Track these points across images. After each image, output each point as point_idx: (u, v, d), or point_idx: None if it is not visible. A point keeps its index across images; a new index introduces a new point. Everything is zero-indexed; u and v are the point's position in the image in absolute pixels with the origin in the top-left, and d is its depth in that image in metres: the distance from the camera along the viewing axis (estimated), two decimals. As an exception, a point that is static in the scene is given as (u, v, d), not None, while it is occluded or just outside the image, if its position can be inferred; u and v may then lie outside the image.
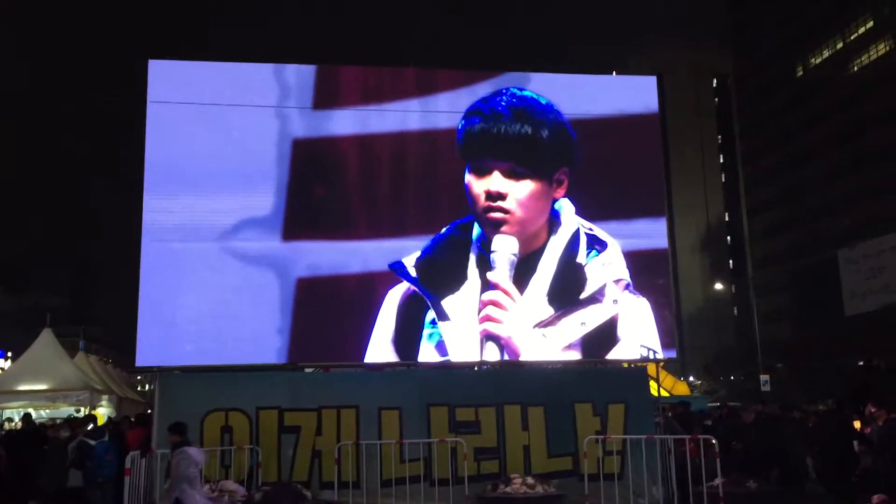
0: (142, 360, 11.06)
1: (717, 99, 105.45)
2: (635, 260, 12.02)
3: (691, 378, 69.69)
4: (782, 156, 77.07)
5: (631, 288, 11.85)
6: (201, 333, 11.07)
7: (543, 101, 11.98)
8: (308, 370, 12.23)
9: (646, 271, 12.16)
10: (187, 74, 11.66)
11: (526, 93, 12.01)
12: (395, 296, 11.41)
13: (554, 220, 11.67)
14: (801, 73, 77.10)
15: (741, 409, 14.39)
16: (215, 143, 11.37)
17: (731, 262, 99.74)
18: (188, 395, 10.95)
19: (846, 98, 68.15)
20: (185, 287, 11.12)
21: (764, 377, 39.69)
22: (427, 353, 11.38)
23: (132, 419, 15.16)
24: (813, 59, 75.31)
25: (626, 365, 12.34)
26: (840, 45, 71.57)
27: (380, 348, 11.35)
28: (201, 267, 11.14)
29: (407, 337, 11.36)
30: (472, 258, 11.49)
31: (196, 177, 11.27)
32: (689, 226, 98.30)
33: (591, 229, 11.78)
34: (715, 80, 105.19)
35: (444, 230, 11.61)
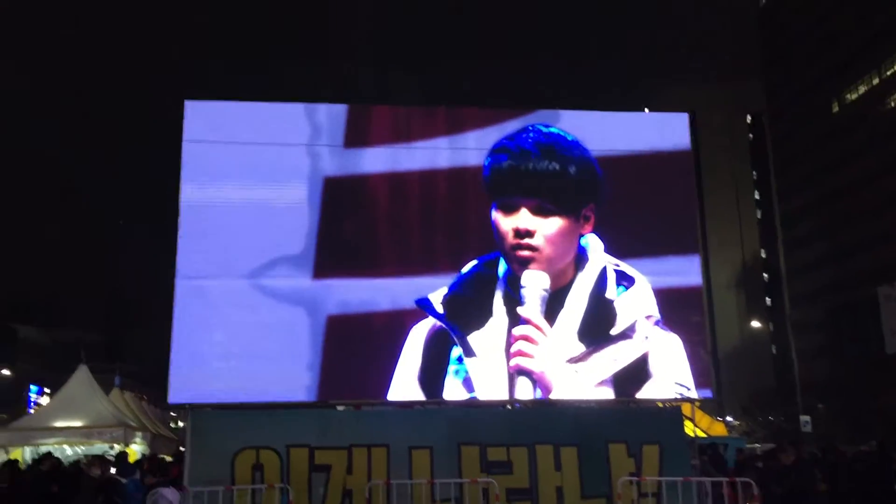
0: (174, 396, 11.12)
1: (751, 135, 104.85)
2: (669, 297, 11.87)
3: (729, 418, 68.37)
4: (819, 192, 76.25)
5: (661, 324, 11.71)
6: (232, 370, 11.11)
7: (570, 138, 11.98)
8: (339, 408, 12.19)
9: (680, 309, 12.01)
10: (221, 114, 11.86)
11: (553, 129, 12.03)
12: (419, 332, 11.38)
13: (581, 257, 11.60)
14: (836, 108, 76.51)
15: (780, 451, 14.02)
16: (248, 180, 11.51)
17: (767, 299, 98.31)
18: (219, 433, 10.95)
19: (883, 133, 67.45)
20: (216, 324, 11.19)
21: (804, 418, 38.96)
22: (453, 390, 11.31)
23: (167, 458, 15.18)
24: (848, 95, 74.77)
25: (660, 405, 12.14)
26: (876, 81, 71.03)
27: (404, 385, 11.29)
28: (232, 304, 11.21)
29: (432, 374, 11.30)
30: (499, 295, 11.44)
31: (228, 214, 11.40)
32: (725, 263, 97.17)
33: (617, 265, 11.70)
34: (749, 117, 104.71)
35: (470, 267, 11.59)
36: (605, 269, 11.62)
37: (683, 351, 11.76)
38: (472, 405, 11.56)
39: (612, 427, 11.60)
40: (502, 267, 11.51)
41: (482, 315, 11.38)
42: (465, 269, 11.58)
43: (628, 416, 11.91)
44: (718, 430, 25.26)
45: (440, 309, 11.38)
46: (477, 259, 11.59)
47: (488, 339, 11.33)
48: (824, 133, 76.06)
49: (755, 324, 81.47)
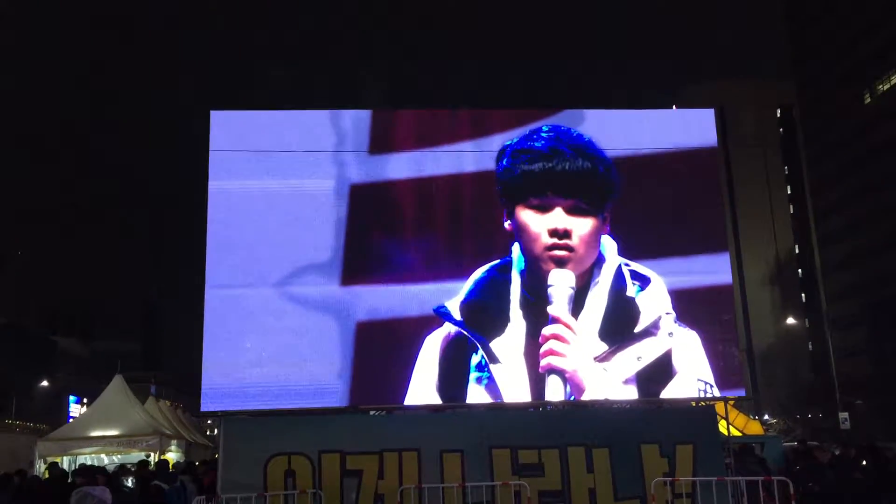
0: (206, 404, 11.24)
1: (781, 129, 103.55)
2: (698, 297, 11.77)
3: (766, 417, 67.52)
4: (852, 185, 75.11)
5: (679, 321, 11.62)
6: (264, 377, 11.19)
7: (586, 138, 11.92)
8: (371, 412, 12.22)
9: (711, 308, 11.91)
10: (247, 123, 11.98)
11: (572, 130, 11.97)
12: (434, 342, 11.33)
13: (600, 256, 11.55)
14: (868, 100, 75.31)
15: (816, 449, 13.83)
16: (274, 189, 11.60)
17: (803, 295, 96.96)
18: (252, 440, 11.04)
19: (917, 124, 66.25)
20: (247, 332, 11.28)
21: (843, 415, 38.29)
22: (477, 398, 11.27)
23: (198, 463, 15.33)
24: (880, 86, 73.56)
25: (693, 404, 12.02)
26: (908, 71, 69.84)
27: (423, 396, 11.29)
28: (262, 312, 11.30)
29: (452, 382, 11.27)
30: (515, 300, 11.38)
31: (256, 223, 11.50)
32: (758, 259, 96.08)
33: (627, 263, 11.61)
34: (778, 111, 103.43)
35: (482, 273, 11.51)
36: (620, 268, 11.56)
37: (702, 348, 11.67)
38: (503, 407, 11.53)
39: (644, 427, 11.50)
40: (517, 270, 11.46)
41: (501, 321, 11.33)
42: (477, 275, 11.50)
43: (661, 416, 11.80)
44: (754, 428, 24.89)
45: (458, 316, 11.35)
46: (488, 265, 11.51)
47: (509, 344, 11.28)
48: (856, 125, 74.88)
49: (791, 321, 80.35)
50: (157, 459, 18.66)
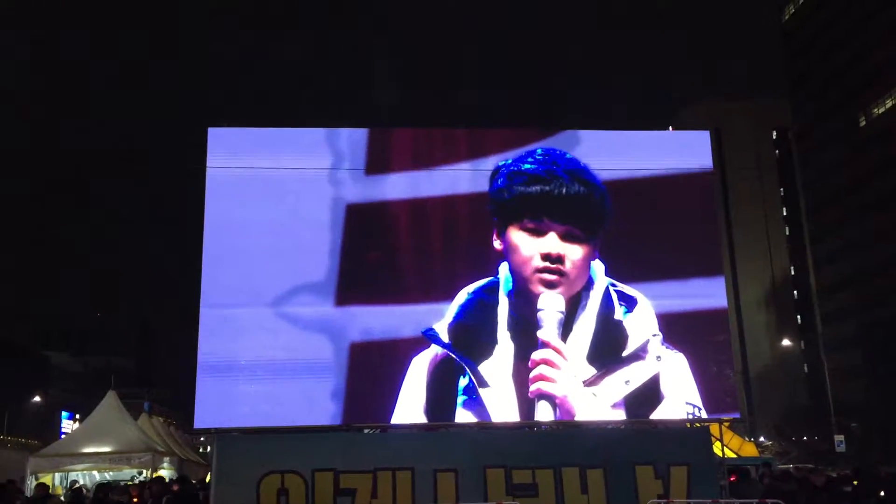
0: (200, 422, 11.20)
1: (777, 151, 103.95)
2: (694, 319, 11.83)
3: (762, 438, 67.31)
4: (848, 207, 75.27)
5: (666, 343, 11.61)
6: (257, 396, 11.17)
7: (582, 164, 11.92)
8: (366, 431, 12.18)
9: (706, 330, 11.95)
10: (244, 141, 12.01)
11: (568, 155, 12.00)
12: (421, 364, 11.30)
13: (589, 280, 11.55)
14: (863, 122, 75.71)
15: (811, 473, 13.79)
16: (271, 207, 11.62)
17: (798, 317, 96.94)
18: (245, 457, 11.00)
19: (912, 147, 66.58)
20: (241, 350, 11.26)
21: (839, 437, 38.18)
22: (465, 421, 11.26)
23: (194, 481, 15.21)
24: (875, 109, 73.96)
25: (688, 425, 12.01)
26: (903, 95, 70.27)
27: (410, 417, 11.25)
28: (257, 331, 11.29)
29: (440, 405, 11.24)
30: (503, 322, 11.36)
31: (251, 241, 11.52)
32: (754, 281, 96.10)
33: (614, 284, 11.62)
34: (774, 133, 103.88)
35: (469, 294, 11.49)
36: (607, 290, 11.57)
37: (689, 370, 11.66)
38: (497, 427, 11.49)
39: (638, 449, 11.50)
40: (504, 292, 11.44)
41: (489, 343, 11.31)
42: (463, 297, 11.48)
43: (655, 438, 11.79)
44: (749, 450, 24.85)
45: (446, 339, 11.33)
46: (475, 286, 11.49)
47: (497, 367, 11.25)
48: (852, 148, 75.17)
49: (786, 342, 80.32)
50: (148, 476, 18.54)
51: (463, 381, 11.25)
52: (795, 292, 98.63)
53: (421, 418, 11.27)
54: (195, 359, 11.24)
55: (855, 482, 13.11)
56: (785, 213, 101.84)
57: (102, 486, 13.65)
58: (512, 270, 11.44)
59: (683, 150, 12.65)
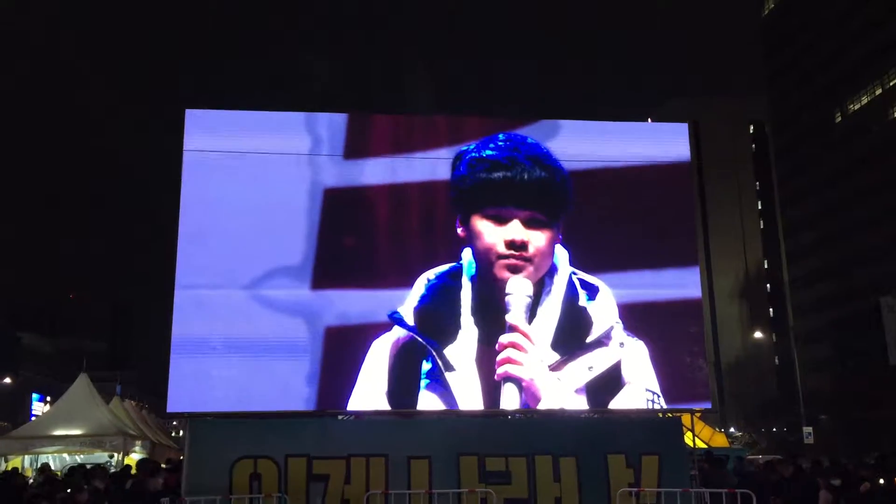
0: (173, 405, 11.13)
1: (753, 145, 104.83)
2: (667, 309, 11.89)
3: (732, 429, 68.11)
4: (822, 202, 76.20)
5: (628, 331, 11.69)
6: (231, 380, 11.10)
7: (544, 148, 11.93)
8: (340, 417, 12.17)
9: (679, 320, 12.03)
10: (222, 123, 11.86)
11: (529, 139, 11.98)
12: (382, 346, 11.24)
13: (553, 266, 11.57)
14: (839, 119, 76.53)
15: (778, 463, 13.97)
16: (248, 191, 11.51)
17: (770, 310, 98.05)
18: (218, 442, 10.95)
19: (886, 143, 67.42)
20: (215, 334, 11.17)
21: (807, 429, 38.75)
22: (430, 405, 11.23)
23: (164, 465, 15.12)
24: (851, 106, 74.79)
25: (660, 415, 12.12)
26: (878, 92, 71.07)
27: (371, 401, 11.22)
28: (231, 314, 11.20)
29: (403, 389, 11.19)
30: (466, 307, 11.33)
31: (228, 224, 11.40)
32: (728, 273, 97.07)
33: (575, 272, 11.65)
34: (751, 127, 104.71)
35: (433, 278, 11.44)
36: (571, 277, 11.62)
37: (649, 358, 11.73)
38: (471, 415, 11.53)
39: (610, 438, 11.58)
40: (467, 276, 11.43)
41: (454, 327, 11.30)
42: (424, 280, 11.44)
43: (627, 427, 11.87)
44: (719, 441, 25.15)
45: (411, 321, 11.31)
46: (438, 270, 11.47)
47: (461, 351, 11.26)
48: (827, 143, 76.05)
49: (758, 334, 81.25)
50: (119, 460, 18.43)
51: (426, 365, 11.22)
52: (768, 285, 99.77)
53: (382, 401, 11.22)
54: (169, 342, 11.15)
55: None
56: (760, 207, 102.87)
57: (75, 469, 13.52)
58: (476, 256, 11.41)
59: (661, 142, 12.69)
